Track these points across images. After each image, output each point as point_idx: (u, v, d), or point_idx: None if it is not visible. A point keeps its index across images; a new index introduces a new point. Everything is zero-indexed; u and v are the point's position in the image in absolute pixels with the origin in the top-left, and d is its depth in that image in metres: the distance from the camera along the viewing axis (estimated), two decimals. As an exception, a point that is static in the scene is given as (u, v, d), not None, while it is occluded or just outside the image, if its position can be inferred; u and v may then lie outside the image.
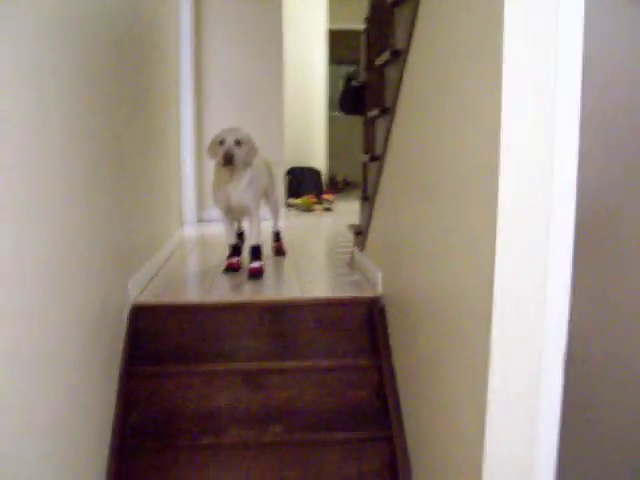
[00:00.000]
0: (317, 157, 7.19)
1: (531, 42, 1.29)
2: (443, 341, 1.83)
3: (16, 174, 1.43)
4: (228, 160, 3.07)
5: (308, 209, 6.42)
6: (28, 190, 1.51)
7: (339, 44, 7.23)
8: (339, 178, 8.34)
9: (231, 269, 3.38)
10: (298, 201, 6.53)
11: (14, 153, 1.42)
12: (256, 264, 3.31)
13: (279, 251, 3.90)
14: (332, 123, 7.13)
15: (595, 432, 1.66)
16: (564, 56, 1.29)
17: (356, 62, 4.82)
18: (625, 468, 1.71)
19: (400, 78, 2.27)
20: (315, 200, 6.56)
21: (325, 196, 6.74)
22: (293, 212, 6.28)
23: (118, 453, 2.27)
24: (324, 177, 7.25)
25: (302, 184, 6.81)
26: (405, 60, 2.19)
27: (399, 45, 2.30)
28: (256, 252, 3.35)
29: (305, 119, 6.90)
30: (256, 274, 3.25)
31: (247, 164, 3.18)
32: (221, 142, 3.12)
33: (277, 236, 3.94)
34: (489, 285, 1.42)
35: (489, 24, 1.36)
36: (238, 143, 3.11)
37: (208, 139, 5.03)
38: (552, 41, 1.28)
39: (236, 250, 3.48)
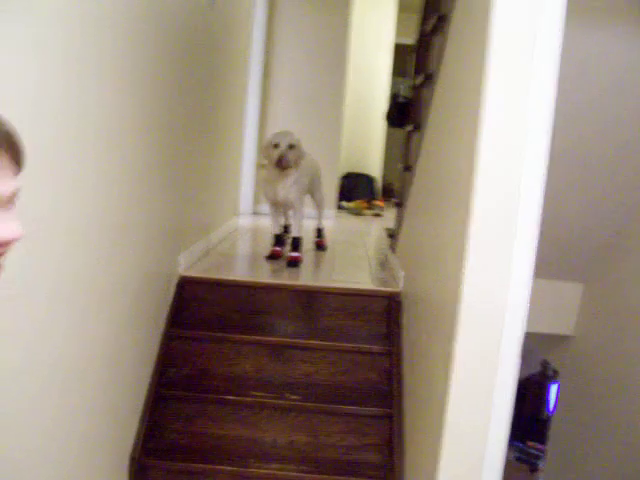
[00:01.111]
0: (373, 165, 7.48)
1: (509, 83, 1.58)
2: (430, 332, 2.13)
3: (95, 157, 1.82)
4: (281, 163, 3.40)
5: (359, 213, 6.73)
6: (106, 172, 1.90)
7: (404, 57, 7.53)
8: (395, 186, 8.59)
9: (273, 257, 3.74)
10: (350, 204, 6.85)
11: (98, 144, 1.81)
12: (295, 254, 3.65)
13: (320, 246, 4.23)
14: (390, 133, 7.41)
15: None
16: (536, 95, 1.57)
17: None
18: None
19: (430, 99, 2.58)
20: (366, 205, 6.86)
21: (376, 202, 7.04)
22: (344, 214, 6.61)
23: (153, 400, 2.65)
24: (379, 184, 7.54)
25: (356, 189, 7.12)
26: (434, 83, 2.50)
27: (431, 69, 2.60)
28: (296, 243, 3.69)
29: (364, 127, 7.21)
30: (294, 262, 3.59)
31: (296, 165, 3.53)
32: (276, 145, 3.43)
33: (319, 232, 4.28)
34: (458, 286, 1.71)
35: (475, 69, 1.66)
36: (291, 147, 3.43)
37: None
38: (525, 87, 1.57)
39: (279, 240, 3.83)
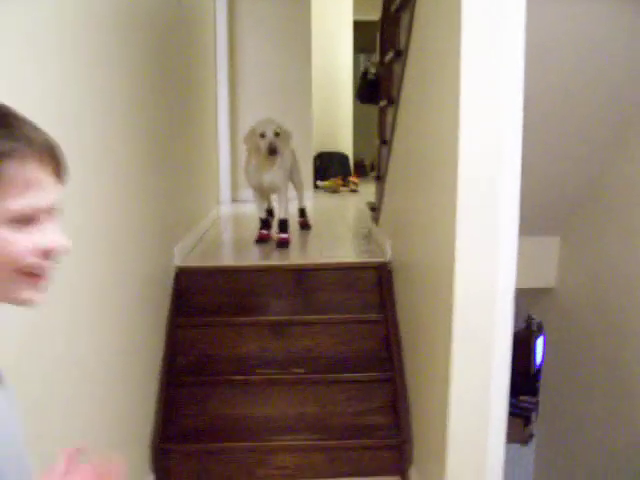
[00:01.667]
0: (344, 142, 7.58)
1: (482, 55, 1.70)
2: (427, 295, 2.27)
3: (87, 160, 1.91)
4: (272, 151, 3.49)
5: (335, 191, 6.85)
6: (104, 173, 1.99)
7: (363, 34, 7.62)
8: (366, 162, 8.72)
9: (262, 240, 3.84)
10: (325, 183, 6.96)
11: (93, 147, 1.90)
12: (284, 235, 3.75)
13: (304, 225, 4.34)
14: (359, 110, 7.52)
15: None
16: (507, 64, 1.70)
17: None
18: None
19: (402, 73, 2.69)
20: (341, 182, 6.98)
21: (351, 179, 7.16)
22: (320, 193, 6.72)
23: (166, 386, 2.76)
24: (351, 161, 7.65)
25: (330, 167, 7.23)
26: (405, 58, 2.61)
27: (401, 46, 2.72)
28: (284, 225, 3.79)
29: (332, 106, 7.30)
30: (283, 243, 3.70)
31: (282, 151, 3.63)
32: (262, 134, 3.52)
33: (302, 212, 4.37)
34: (452, 250, 1.85)
35: (451, 41, 1.78)
36: (277, 134, 3.52)
37: (241, 126, 5.52)
38: (498, 57, 1.69)
39: (266, 224, 3.94)
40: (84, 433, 1.79)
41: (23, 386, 1.34)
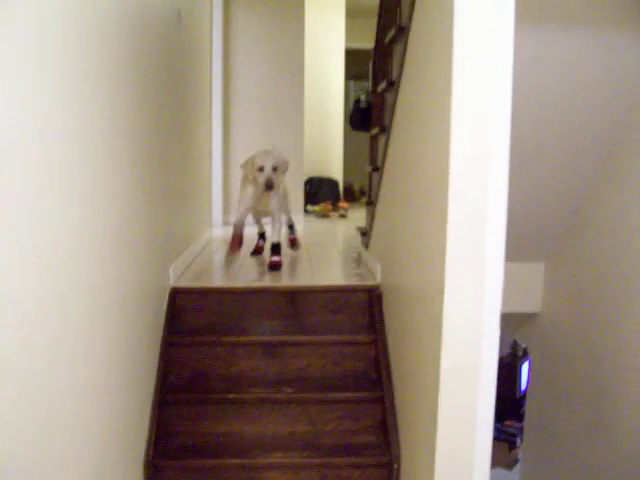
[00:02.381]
0: (334, 168, 7.70)
1: (472, 85, 1.80)
2: (415, 319, 2.35)
3: (81, 179, 1.99)
4: (269, 187, 3.53)
5: (324, 215, 6.96)
6: (93, 196, 2.06)
7: (355, 62, 7.79)
8: (355, 188, 8.85)
9: (256, 251, 4.21)
10: (315, 208, 7.07)
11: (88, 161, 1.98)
12: (276, 258, 3.82)
13: (294, 243, 4.39)
14: (350, 137, 7.65)
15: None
16: (497, 94, 1.80)
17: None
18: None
19: (394, 102, 2.80)
20: (331, 208, 7.10)
21: (341, 204, 7.27)
22: (310, 218, 6.82)
23: (158, 404, 2.80)
24: (340, 187, 7.77)
25: (319, 192, 7.34)
26: (398, 88, 2.72)
27: (394, 76, 2.83)
28: (276, 248, 3.87)
29: (323, 132, 7.42)
30: (275, 266, 3.77)
31: (279, 184, 3.69)
32: (260, 168, 3.54)
33: (291, 228, 4.38)
34: (441, 275, 1.93)
35: (442, 71, 1.88)
36: (275, 169, 3.55)
37: (234, 151, 5.63)
38: (488, 86, 1.79)
39: (261, 236, 4.27)
40: (80, 452, 1.84)
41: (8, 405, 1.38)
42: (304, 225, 6.00)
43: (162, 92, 3.09)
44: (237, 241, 3.77)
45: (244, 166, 3.72)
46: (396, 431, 2.76)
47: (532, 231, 3.21)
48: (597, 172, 2.84)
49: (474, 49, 1.77)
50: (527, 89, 2.36)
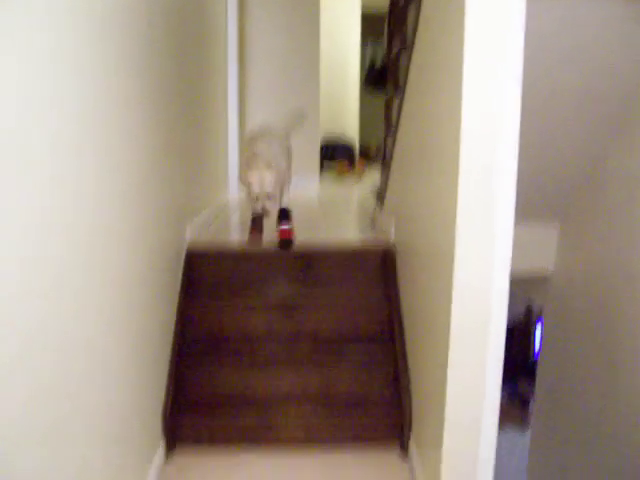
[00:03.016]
0: (350, 129, 7.71)
1: (485, 48, 1.83)
2: (427, 278, 2.41)
3: (108, 145, 2.06)
4: (264, 214, 3.35)
5: (340, 173, 7.11)
6: (118, 158, 2.14)
7: (371, 26, 7.77)
8: (372, 147, 8.82)
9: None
10: (332, 166, 7.16)
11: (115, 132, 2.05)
12: (285, 226, 3.46)
13: (285, 238, 3.50)
14: (364, 98, 7.64)
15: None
16: (509, 54, 1.82)
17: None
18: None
19: (408, 64, 2.82)
20: (347, 169, 7.16)
21: (357, 165, 7.38)
22: (326, 179, 6.85)
23: (178, 355, 2.92)
24: (357, 149, 7.78)
25: (335, 153, 7.37)
26: (411, 50, 2.74)
27: (408, 37, 2.84)
28: (285, 214, 3.54)
29: (339, 93, 7.42)
30: (287, 240, 3.41)
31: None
32: (256, 198, 3.26)
33: (284, 214, 3.62)
34: (452, 233, 1.98)
35: (455, 35, 1.91)
36: (269, 197, 3.27)
37: (250, 118, 5.66)
38: (500, 51, 1.82)
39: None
40: (99, 405, 1.93)
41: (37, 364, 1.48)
42: (320, 187, 6.07)
43: (180, 52, 3.14)
44: (257, 230, 3.56)
45: (243, 150, 3.59)
46: (408, 388, 2.84)
47: (546, 190, 3.20)
48: (614, 123, 2.76)
49: (487, 8, 1.79)
50: (539, 31, 2.32)
